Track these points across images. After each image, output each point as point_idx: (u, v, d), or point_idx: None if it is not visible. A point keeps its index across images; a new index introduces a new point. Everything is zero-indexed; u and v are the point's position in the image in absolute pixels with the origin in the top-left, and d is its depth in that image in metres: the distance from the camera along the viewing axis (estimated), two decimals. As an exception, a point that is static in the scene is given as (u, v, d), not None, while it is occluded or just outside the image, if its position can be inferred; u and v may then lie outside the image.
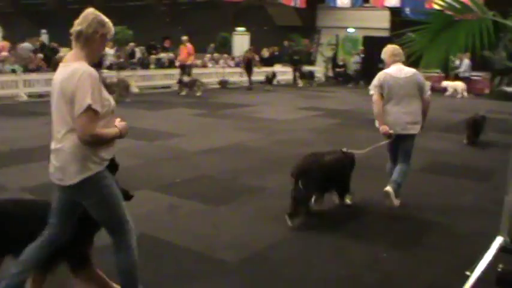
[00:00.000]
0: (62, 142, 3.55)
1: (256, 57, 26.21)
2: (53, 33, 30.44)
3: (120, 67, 20.69)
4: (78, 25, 3.61)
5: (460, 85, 23.12)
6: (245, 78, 24.53)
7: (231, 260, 5.17)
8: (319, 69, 30.57)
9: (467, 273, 4.46)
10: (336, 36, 31.49)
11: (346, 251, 5.53)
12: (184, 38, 21.16)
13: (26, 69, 18.28)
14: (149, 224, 5.89)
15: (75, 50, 3.64)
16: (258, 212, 6.64)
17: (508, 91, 21.97)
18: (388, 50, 6.87)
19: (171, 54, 23.91)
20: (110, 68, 20.37)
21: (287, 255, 5.37)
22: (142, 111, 14.77)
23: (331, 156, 6.66)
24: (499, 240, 4.44)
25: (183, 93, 20.08)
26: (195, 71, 22.53)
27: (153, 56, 23.80)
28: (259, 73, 24.84)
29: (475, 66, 24.34)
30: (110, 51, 20.92)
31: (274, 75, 24.79)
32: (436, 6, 5.25)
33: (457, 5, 4.54)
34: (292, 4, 27.55)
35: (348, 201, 6.91)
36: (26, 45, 20.52)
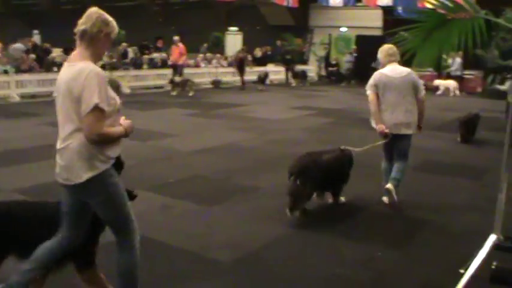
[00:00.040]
0: (68, 141, 3.52)
1: (249, 57, 26.22)
2: (45, 34, 30.38)
3: (112, 67, 20.62)
4: (82, 24, 3.58)
5: (452, 84, 23.23)
6: (238, 78, 24.51)
7: (224, 260, 5.15)
8: (311, 69, 30.62)
9: (461, 271, 4.46)
10: (329, 35, 31.55)
11: (340, 249, 5.53)
12: (176, 38, 21.13)
13: (18, 70, 18.20)
14: (142, 224, 5.79)
15: (80, 49, 3.61)
16: (251, 212, 6.63)
17: (501, 89, 22.03)
18: (384, 50, 6.89)
19: (163, 54, 23.89)
20: (102, 68, 20.23)
21: (281, 254, 5.36)
22: (135, 112, 14.71)
23: (330, 155, 6.69)
24: (492, 238, 4.44)
25: (174, 93, 20.04)
26: (188, 71, 22.52)
27: (145, 56, 23.76)
28: (252, 73, 24.84)
29: (467, 65, 24.45)
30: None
31: (266, 75, 24.79)
32: (429, 5, 5.25)
33: (449, 4, 4.54)
34: (285, 3, 27.55)
35: (342, 199, 6.93)
36: (18, 45, 20.43)
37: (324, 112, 16.50)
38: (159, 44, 24.93)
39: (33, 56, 19.67)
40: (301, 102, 18.89)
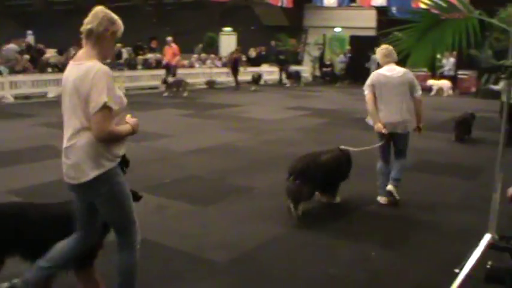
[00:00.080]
0: (74, 139, 3.52)
1: (243, 57, 26.20)
2: (38, 35, 30.24)
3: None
4: (88, 23, 3.57)
5: (445, 83, 23.28)
6: (232, 78, 24.46)
7: (219, 260, 5.15)
8: (306, 69, 30.62)
9: (456, 270, 4.46)
10: (323, 35, 31.58)
11: (334, 250, 5.53)
12: (169, 38, 21.08)
13: (12, 71, 18.15)
14: (137, 225, 5.85)
15: (86, 48, 3.60)
16: (246, 212, 6.62)
17: (495, 89, 22.09)
18: (381, 52, 6.92)
19: (158, 55, 23.84)
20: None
21: (276, 254, 5.35)
22: (130, 112, 14.67)
23: (329, 155, 6.71)
24: (487, 237, 4.45)
25: (166, 93, 20.03)
26: (182, 71, 22.47)
27: (140, 57, 23.70)
28: (246, 73, 24.82)
29: (461, 65, 24.50)
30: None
31: (259, 76, 24.76)
32: (423, 5, 5.26)
33: (443, 4, 4.55)
34: (279, 4, 27.56)
35: (337, 199, 6.94)
36: (12, 46, 20.31)
37: (318, 112, 16.51)
38: (153, 44, 24.88)
39: (27, 56, 19.64)
40: (296, 103, 18.89)
